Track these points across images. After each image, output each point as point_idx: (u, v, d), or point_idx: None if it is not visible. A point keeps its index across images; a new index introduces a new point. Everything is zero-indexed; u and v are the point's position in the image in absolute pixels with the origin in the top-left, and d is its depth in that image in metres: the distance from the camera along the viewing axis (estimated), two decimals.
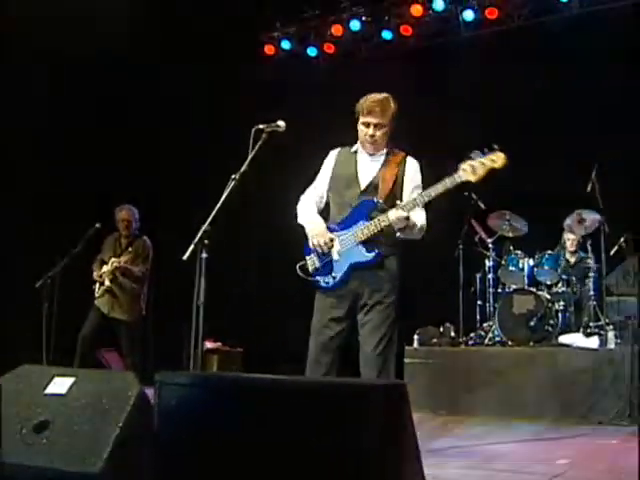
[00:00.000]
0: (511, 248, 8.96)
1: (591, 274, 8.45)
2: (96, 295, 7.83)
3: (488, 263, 9.03)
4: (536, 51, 10.18)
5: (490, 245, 9.08)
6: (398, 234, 4.72)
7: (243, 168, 4.55)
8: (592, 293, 8.35)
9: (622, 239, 8.53)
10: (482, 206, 9.06)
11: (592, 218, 8.45)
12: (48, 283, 7.52)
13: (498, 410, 7.63)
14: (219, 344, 10.97)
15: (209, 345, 10.72)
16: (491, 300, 8.92)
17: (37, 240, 9.45)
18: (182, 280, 4.71)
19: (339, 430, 2.39)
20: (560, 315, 8.51)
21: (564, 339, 8.02)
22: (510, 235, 9.07)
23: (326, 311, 4.82)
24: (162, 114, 10.91)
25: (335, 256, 4.75)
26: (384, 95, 4.86)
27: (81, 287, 8.12)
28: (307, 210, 4.99)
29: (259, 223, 11.50)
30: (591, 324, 8.22)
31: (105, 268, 7.80)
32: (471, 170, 4.54)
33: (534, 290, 8.50)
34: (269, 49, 12.39)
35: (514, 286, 8.78)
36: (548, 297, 8.50)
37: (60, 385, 3.44)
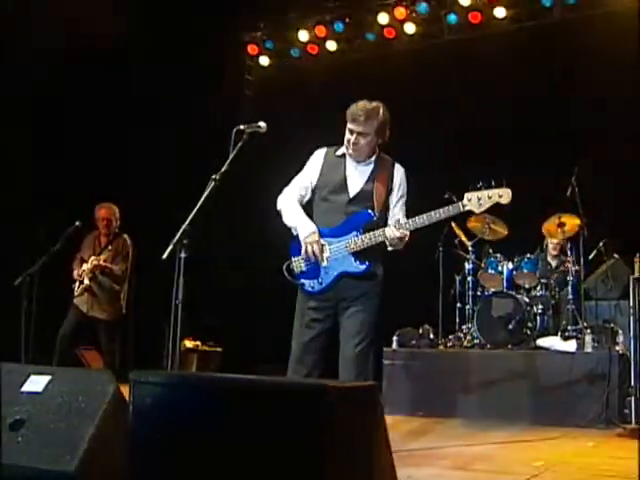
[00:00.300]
0: (490, 251, 8.99)
1: (570, 278, 8.48)
2: (75, 294, 7.78)
3: (467, 266, 9.05)
4: (519, 55, 10.24)
5: (470, 248, 9.11)
6: (390, 248, 4.74)
7: (224, 168, 4.55)
8: (570, 297, 8.38)
9: (601, 243, 8.59)
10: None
11: (571, 222, 8.49)
12: (27, 281, 7.47)
13: (476, 412, 7.67)
14: (198, 343, 10.97)
15: (188, 344, 10.72)
16: (470, 303, 8.94)
17: (15, 238, 9.41)
18: (162, 279, 4.70)
19: (307, 430, 2.41)
20: (538, 318, 8.55)
21: (542, 342, 8.07)
22: (490, 238, 9.10)
23: (308, 312, 4.83)
24: (143, 113, 10.88)
25: (324, 262, 4.74)
26: (374, 104, 4.76)
27: (60, 285, 8.08)
28: (295, 210, 4.91)
29: (239, 222, 11.49)
30: (569, 328, 8.26)
31: (85, 266, 7.76)
32: (477, 202, 4.54)
33: (513, 293, 8.54)
34: (252, 49, 12.40)
35: (493, 289, 8.81)
36: (527, 300, 8.54)
37: (36, 383, 3.43)
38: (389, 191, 4.82)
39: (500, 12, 10.77)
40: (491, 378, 7.85)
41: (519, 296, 8.51)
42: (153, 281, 7.69)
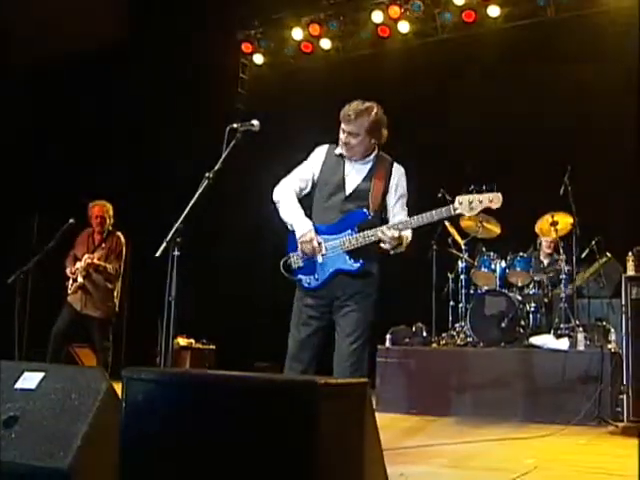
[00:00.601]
0: (483, 249, 9.01)
1: (562, 276, 8.50)
2: (69, 291, 7.78)
3: (461, 264, 9.07)
4: (513, 54, 10.27)
5: (463, 246, 9.14)
6: (389, 249, 4.75)
7: (217, 167, 4.56)
8: (563, 295, 8.40)
9: (594, 242, 8.62)
10: None
11: (564, 221, 8.51)
12: (21, 279, 7.46)
13: (469, 410, 7.70)
14: (192, 341, 10.98)
15: (182, 342, 10.73)
16: (463, 301, 8.96)
17: (9, 235, 9.41)
18: (156, 277, 4.71)
19: (298, 426, 2.43)
20: (531, 317, 8.58)
21: (535, 340, 8.09)
22: (483, 237, 9.12)
23: (305, 309, 4.85)
24: (137, 111, 10.89)
25: (319, 259, 4.76)
26: (367, 105, 4.76)
27: (54, 283, 8.08)
28: (292, 205, 4.90)
29: (234, 220, 11.50)
30: (562, 326, 8.28)
31: (78, 264, 7.76)
32: (467, 205, 4.54)
33: (506, 291, 8.57)
34: (246, 47, 12.40)
35: (486, 287, 8.84)
36: (519, 299, 8.57)
37: (30, 380, 3.44)
38: (386, 190, 4.82)
39: (494, 11, 10.79)
40: (484, 376, 7.87)
41: (512, 294, 8.53)
42: (146, 279, 7.71)
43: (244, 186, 10.88)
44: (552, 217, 8.51)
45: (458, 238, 9.23)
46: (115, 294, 7.93)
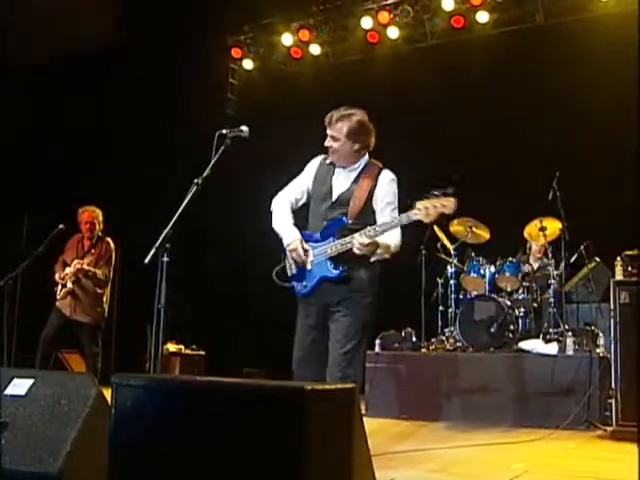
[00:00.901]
0: (473, 255, 9.02)
1: (551, 281, 8.52)
2: (58, 297, 7.76)
3: (450, 269, 9.08)
4: (502, 60, 10.31)
5: (452, 251, 9.15)
6: (369, 255, 4.77)
7: (206, 173, 4.57)
8: (552, 300, 8.42)
9: (582, 247, 8.64)
10: None
11: (553, 226, 8.53)
12: (10, 284, 7.44)
13: (458, 415, 7.71)
14: (181, 347, 10.97)
15: (171, 348, 10.72)
16: (453, 306, 8.97)
17: None
18: (145, 283, 4.71)
19: (286, 431, 2.44)
20: (520, 321, 8.60)
21: (524, 345, 8.09)
22: (472, 242, 9.14)
23: (304, 320, 4.95)
24: (126, 115, 10.88)
25: (308, 266, 4.82)
26: (350, 110, 4.84)
27: (43, 289, 8.07)
28: (283, 216, 4.99)
29: (225, 226, 11.50)
30: (551, 330, 8.30)
31: (68, 270, 7.75)
32: (425, 212, 4.54)
33: (495, 296, 8.58)
34: (236, 52, 12.40)
35: (475, 292, 8.85)
36: (509, 304, 8.59)
37: (19, 386, 3.44)
38: (369, 197, 4.84)
39: (483, 17, 10.82)
40: (473, 381, 7.89)
41: (501, 299, 8.55)
42: (136, 284, 7.70)
43: (234, 191, 10.89)
44: (541, 222, 8.52)
45: (447, 243, 9.25)
46: (104, 299, 7.92)
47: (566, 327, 8.21)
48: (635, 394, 6.33)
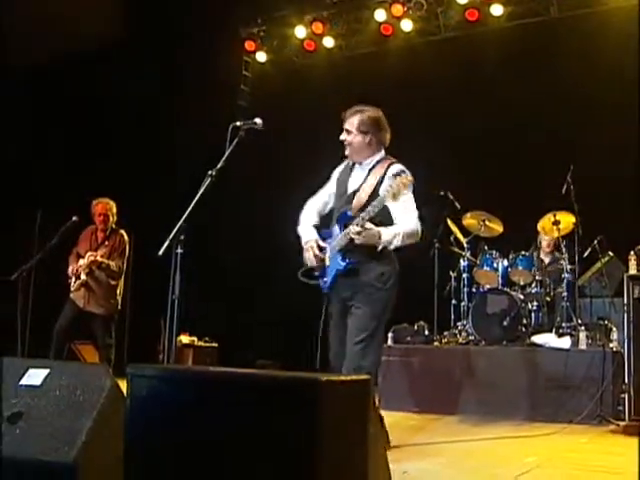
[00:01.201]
0: (486, 248, 9.00)
1: (565, 275, 8.50)
2: (72, 288, 7.79)
3: (463, 262, 9.08)
4: (516, 53, 10.27)
5: (465, 245, 9.14)
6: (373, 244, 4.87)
7: (220, 164, 4.59)
8: (565, 294, 8.40)
9: (596, 241, 8.61)
10: (458, 206, 9.13)
11: (566, 220, 8.51)
12: (24, 276, 7.48)
13: (471, 408, 7.70)
14: (194, 339, 11.00)
15: (184, 340, 10.75)
16: (465, 299, 8.97)
17: (12, 232, 9.43)
18: (159, 274, 4.74)
19: (301, 423, 2.44)
20: (533, 315, 8.58)
21: (537, 339, 8.09)
22: (485, 235, 9.13)
23: (331, 313, 5.18)
24: (140, 108, 10.90)
25: (327, 262, 5.01)
26: (361, 107, 5.08)
27: (57, 280, 8.10)
28: (304, 220, 5.27)
29: (238, 218, 11.51)
30: (564, 324, 8.28)
31: (81, 262, 7.77)
32: (391, 194, 4.61)
33: (508, 290, 8.56)
34: (249, 45, 12.40)
35: (488, 286, 8.84)
36: (521, 297, 8.57)
37: (35, 377, 3.46)
38: (375, 190, 4.95)
39: (497, 10, 10.78)
40: (486, 375, 7.88)
41: (514, 293, 8.53)
42: (149, 276, 7.72)
43: (247, 183, 10.89)
44: (554, 216, 8.50)
45: (460, 236, 9.23)
46: (118, 291, 7.95)
47: (579, 321, 8.20)
48: None
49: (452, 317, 9.14)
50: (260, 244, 11.06)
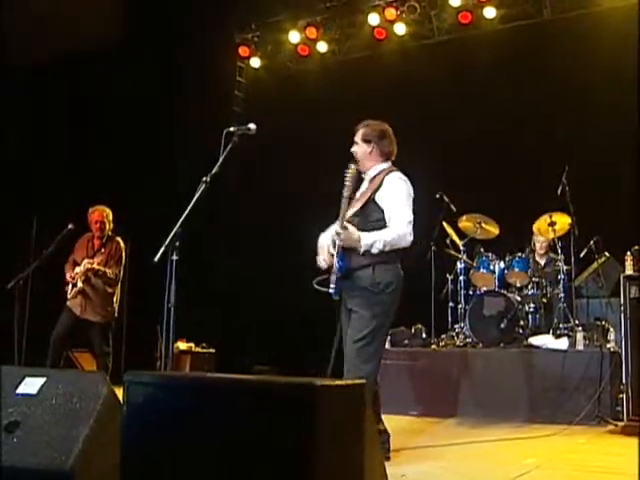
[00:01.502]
0: (482, 250, 9.01)
1: (561, 276, 8.51)
2: (68, 296, 7.78)
3: (459, 265, 9.07)
4: (509, 55, 10.29)
5: (462, 247, 9.14)
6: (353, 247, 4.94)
7: (214, 170, 4.59)
8: (562, 295, 8.41)
9: (592, 242, 8.62)
10: (453, 209, 9.13)
11: (562, 221, 8.52)
12: (20, 284, 7.47)
13: (469, 410, 7.69)
14: (191, 345, 10.99)
15: (182, 346, 10.74)
16: (462, 302, 8.97)
17: (8, 240, 9.42)
18: (156, 281, 4.73)
19: (298, 427, 2.45)
20: (530, 317, 8.59)
21: (534, 340, 8.09)
22: (481, 237, 9.13)
23: (342, 319, 5.22)
24: (132, 113, 10.90)
25: (334, 265, 5.03)
26: (369, 121, 5.27)
27: (53, 288, 8.09)
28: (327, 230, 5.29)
29: (235, 223, 11.51)
30: (561, 326, 8.29)
31: (78, 269, 7.76)
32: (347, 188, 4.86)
33: (504, 292, 8.57)
34: (243, 51, 12.41)
35: (485, 288, 8.84)
36: (518, 299, 8.57)
37: (31, 385, 3.45)
38: (371, 197, 5.07)
39: (490, 12, 10.81)
40: (484, 377, 7.88)
41: (511, 295, 8.54)
42: (146, 283, 7.71)
43: (242, 188, 10.88)
44: (550, 217, 8.50)
45: (456, 239, 9.23)
46: (115, 299, 7.93)
47: (576, 322, 8.21)
48: None
49: (449, 320, 9.14)
50: (257, 249, 11.05)
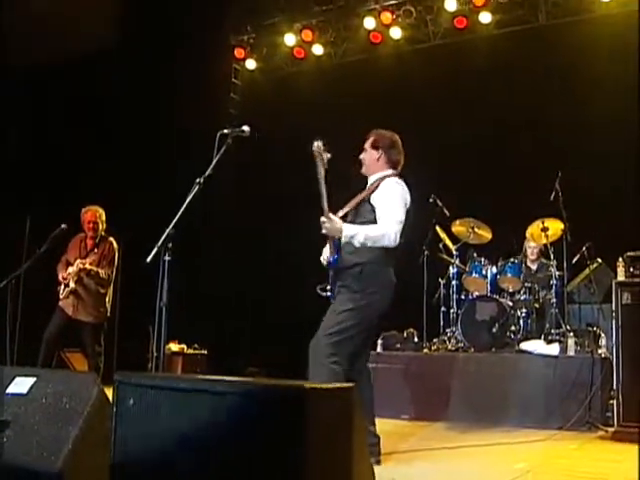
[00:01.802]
0: (475, 255, 9.01)
1: (553, 282, 8.52)
2: (61, 296, 7.76)
3: (452, 270, 9.07)
4: (504, 60, 10.31)
5: (454, 252, 9.14)
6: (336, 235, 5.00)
7: (208, 172, 4.59)
8: (554, 300, 8.42)
9: (584, 248, 8.63)
10: (446, 213, 9.14)
11: (555, 227, 8.53)
12: (12, 284, 7.44)
13: (460, 415, 7.69)
14: (183, 347, 10.98)
15: (174, 348, 10.72)
16: (454, 306, 8.97)
17: (0, 240, 9.40)
18: (148, 282, 4.73)
19: (287, 430, 2.45)
20: (522, 322, 8.58)
21: (525, 346, 8.09)
22: (474, 242, 9.14)
23: None
24: (127, 114, 10.89)
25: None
26: (379, 130, 5.43)
27: (46, 288, 8.07)
28: None
29: (228, 224, 11.50)
30: (552, 331, 8.30)
31: (70, 269, 7.75)
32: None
33: (497, 297, 8.58)
34: (239, 53, 12.42)
35: (477, 293, 8.85)
36: (510, 304, 8.58)
37: (21, 385, 3.45)
38: (366, 198, 5.15)
39: (485, 17, 10.83)
40: (475, 381, 7.88)
41: (503, 300, 8.55)
42: (138, 284, 7.70)
43: (236, 190, 10.88)
44: (542, 223, 8.52)
45: (449, 243, 9.24)
46: (107, 299, 7.92)
47: (568, 328, 8.21)
48: (637, 395, 6.32)
49: (441, 324, 9.13)
50: (250, 251, 11.05)
